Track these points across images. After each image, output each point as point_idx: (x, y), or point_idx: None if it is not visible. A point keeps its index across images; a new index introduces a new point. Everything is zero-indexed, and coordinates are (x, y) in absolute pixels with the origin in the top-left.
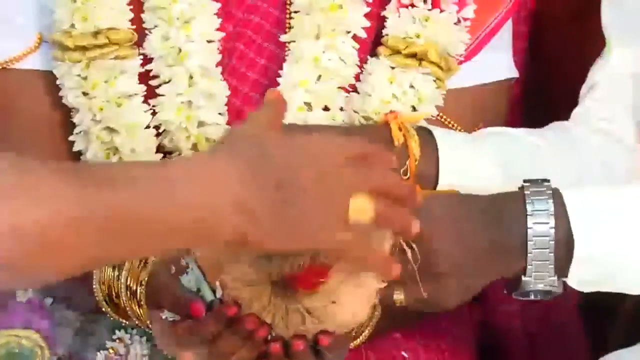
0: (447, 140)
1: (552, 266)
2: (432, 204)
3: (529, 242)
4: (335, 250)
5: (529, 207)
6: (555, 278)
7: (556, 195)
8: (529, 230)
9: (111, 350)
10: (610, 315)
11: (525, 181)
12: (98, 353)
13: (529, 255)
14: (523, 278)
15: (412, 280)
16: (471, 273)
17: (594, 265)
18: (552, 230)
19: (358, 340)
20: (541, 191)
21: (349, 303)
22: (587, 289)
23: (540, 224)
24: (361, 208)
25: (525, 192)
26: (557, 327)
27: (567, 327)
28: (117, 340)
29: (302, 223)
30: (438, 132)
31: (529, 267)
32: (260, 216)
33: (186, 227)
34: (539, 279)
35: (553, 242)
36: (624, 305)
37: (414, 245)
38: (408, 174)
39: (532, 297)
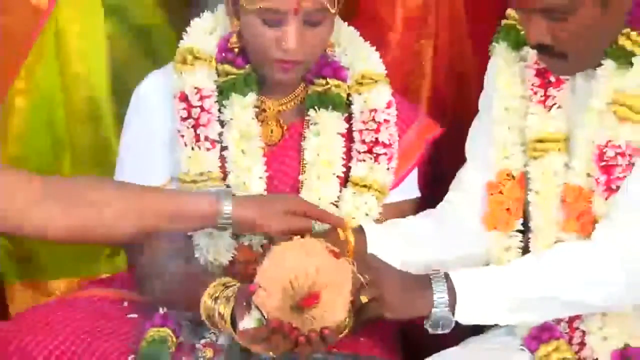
0: (371, 232)
1: (448, 309)
2: (381, 266)
3: (434, 302)
4: None
5: (433, 286)
6: (450, 314)
7: (447, 278)
8: (434, 298)
9: (209, 340)
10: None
11: (431, 272)
12: (201, 340)
13: (434, 302)
14: (433, 310)
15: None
16: (400, 310)
17: (471, 312)
18: (447, 296)
19: (339, 336)
20: (439, 277)
21: (334, 310)
22: (469, 322)
23: (440, 295)
24: None
25: (431, 277)
26: None
27: None
28: (212, 334)
29: None
30: (367, 228)
31: (434, 309)
32: None
33: None
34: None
35: (448, 302)
36: None
37: (366, 277)
38: (348, 253)
39: (440, 330)
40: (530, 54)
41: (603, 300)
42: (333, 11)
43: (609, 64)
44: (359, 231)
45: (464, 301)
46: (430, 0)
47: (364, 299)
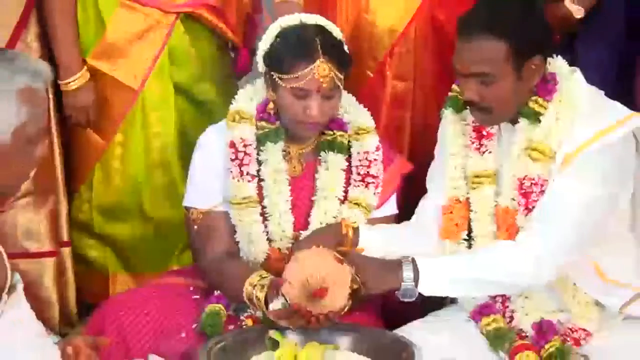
0: (363, 231)
1: (413, 284)
2: (363, 259)
3: (403, 278)
4: None
5: (403, 267)
6: (414, 287)
7: (414, 262)
8: (403, 275)
9: (249, 313)
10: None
11: (402, 257)
12: (245, 313)
13: (403, 278)
14: (402, 284)
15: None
16: (376, 285)
17: (429, 285)
18: (412, 274)
19: (340, 315)
20: (407, 261)
21: (337, 300)
22: (428, 294)
23: (407, 273)
24: None
25: (401, 260)
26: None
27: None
28: (251, 311)
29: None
30: (360, 228)
31: (403, 283)
32: None
33: None
34: (407, 284)
35: (413, 278)
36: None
37: (357, 277)
38: (346, 245)
39: (407, 299)
40: (469, 115)
41: (515, 282)
42: (341, 87)
43: (523, 121)
44: (355, 229)
45: (425, 278)
46: (409, 78)
47: (354, 285)
